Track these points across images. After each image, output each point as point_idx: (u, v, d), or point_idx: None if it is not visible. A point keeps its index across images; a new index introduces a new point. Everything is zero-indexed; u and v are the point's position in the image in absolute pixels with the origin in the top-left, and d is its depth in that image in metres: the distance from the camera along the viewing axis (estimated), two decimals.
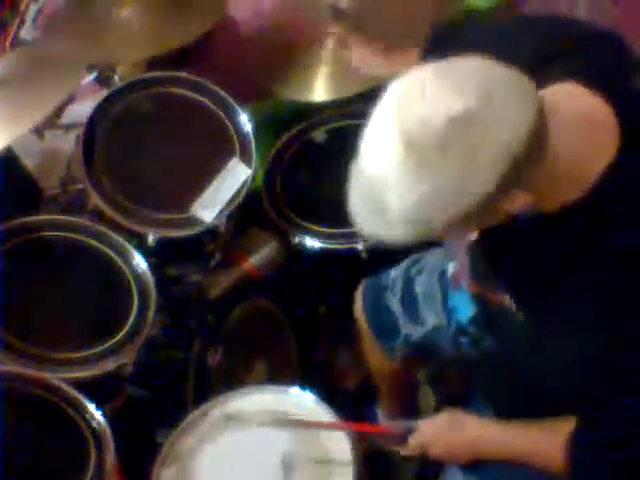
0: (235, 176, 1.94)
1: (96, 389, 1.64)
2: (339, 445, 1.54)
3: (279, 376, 2.05)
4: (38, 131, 2.17)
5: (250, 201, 1.96)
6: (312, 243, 1.98)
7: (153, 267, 1.84)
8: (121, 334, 1.76)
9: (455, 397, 2.06)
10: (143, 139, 1.97)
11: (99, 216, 1.88)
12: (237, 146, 1.98)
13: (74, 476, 1.53)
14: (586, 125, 1.14)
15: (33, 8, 2.59)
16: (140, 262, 1.84)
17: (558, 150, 1.09)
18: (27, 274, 1.78)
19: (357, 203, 1.10)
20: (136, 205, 1.88)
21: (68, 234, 1.84)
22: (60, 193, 2.13)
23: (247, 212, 2.00)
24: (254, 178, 1.97)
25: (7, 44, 2.53)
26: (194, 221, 1.89)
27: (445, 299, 1.63)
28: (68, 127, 2.23)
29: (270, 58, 2.12)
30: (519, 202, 1.07)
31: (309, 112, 2.15)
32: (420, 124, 1.00)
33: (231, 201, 1.91)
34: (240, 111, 2.00)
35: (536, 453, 1.28)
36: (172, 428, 1.63)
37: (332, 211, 2.02)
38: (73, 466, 1.54)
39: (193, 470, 1.58)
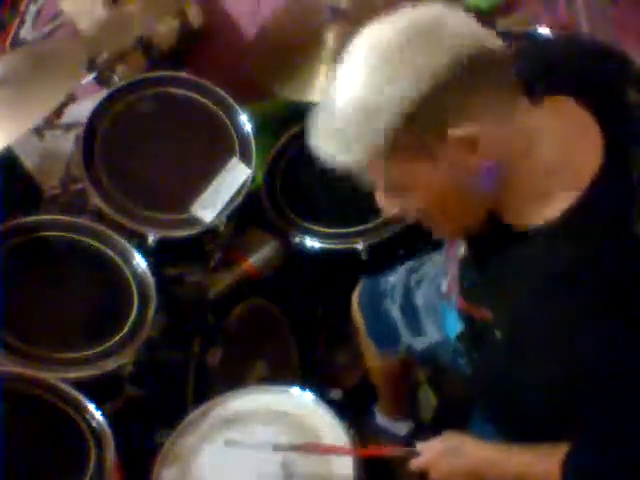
0: (235, 176, 1.94)
1: (96, 389, 1.64)
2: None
3: (279, 376, 2.05)
4: (38, 131, 2.17)
5: (250, 201, 1.96)
6: (312, 243, 1.98)
7: (153, 267, 1.85)
8: (121, 334, 1.76)
9: (456, 399, 2.06)
10: (143, 139, 1.97)
11: (99, 216, 1.88)
12: (237, 146, 1.98)
13: (74, 476, 1.53)
14: (571, 141, 1.13)
15: (33, 8, 2.60)
16: (140, 262, 1.84)
17: (542, 165, 1.11)
18: (27, 274, 1.78)
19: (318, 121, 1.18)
20: (136, 205, 1.88)
21: (68, 234, 1.85)
22: (60, 193, 2.13)
23: (247, 212, 2.00)
24: (254, 178, 1.97)
25: (7, 44, 2.53)
26: (194, 221, 1.89)
27: (444, 313, 1.63)
28: (68, 127, 2.23)
29: (270, 58, 2.12)
30: (458, 152, 1.08)
31: (309, 112, 2.14)
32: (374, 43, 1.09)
33: (231, 201, 1.91)
34: (240, 111, 2.00)
35: (532, 475, 1.28)
36: (172, 428, 1.63)
37: (332, 211, 2.04)
38: (73, 466, 1.54)
39: (193, 470, 1.58)
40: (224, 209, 1.90)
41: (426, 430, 1.53)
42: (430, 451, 1.42)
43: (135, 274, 1.83)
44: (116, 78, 2.12)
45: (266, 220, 2.06)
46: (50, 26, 2.54)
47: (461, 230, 1.23)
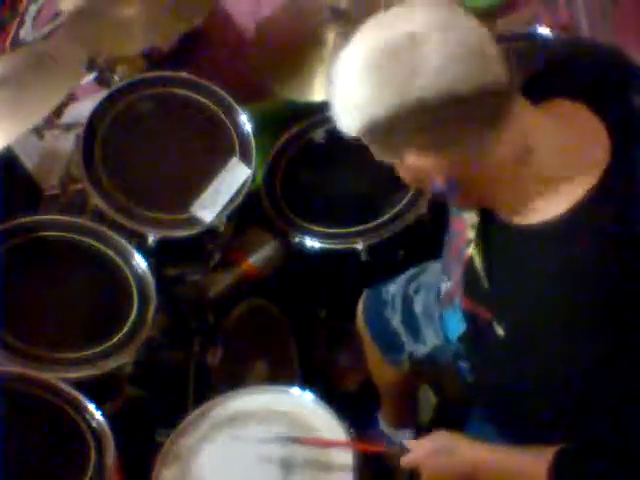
0: (235, 176, 1.94)
1: (96, 389, 1.64)
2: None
3: (279, 376, 2.05)
4: (38, 131, 2.17)
5: (250, 201, 1.96)
6: (312, 243, 1.98)
7: (153, 267, 1.85)
8: (121, 334, 1.76)
9: (456, 399, 2.06)
10: (143, 139, 1.97)
11: (99, 216, 1.88)
12: (237, 146, 1.98)
13: (74, 476, 1.53)
14: (576, 141, 1.14)
15: (33, 8, 2.60)
16: (140, 262, 1.84)
17: (543, 163, 1.11)
18: (27, 274, 1.78)
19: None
20: (136, 205, 1.88)
21: (68, 234, 1.84)
22: (60, 193, 2.13)
23: (247, 212, 2.00)
24: (254, 178, 1.97)
25: (7, 44, 2.54)
26: (194, 221, 1.89)
27: (442, 318, 1.63)
28: (68, 127, 2.23)
29: (270, 58, 2.12)
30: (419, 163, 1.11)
31: (309, 112, 2.15)
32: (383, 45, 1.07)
33: (231, 201, 1.91)
34: (240, 111, 2.00)
35: (523, 474, 1.28)
36: (172, 428, 1.63)
37: (332, 211, 2.03)
38: (73, 466, 1.54)
39: (193, 470, 1.58)
40: (224, 209, 1.90)
41: (426, 433, 1.53)
42: (420, 449, 1.42)
43: (135, 274, 1.83)
44: (116, 78, 2.12)
45: (266, 220, 2.06)
46: (50, 26, 2.54)
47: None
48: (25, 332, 1.68)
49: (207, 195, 1.91)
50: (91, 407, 1.57)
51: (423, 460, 1.41)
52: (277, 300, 2.15)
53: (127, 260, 1.84)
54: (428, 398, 2.16)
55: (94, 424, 1.56)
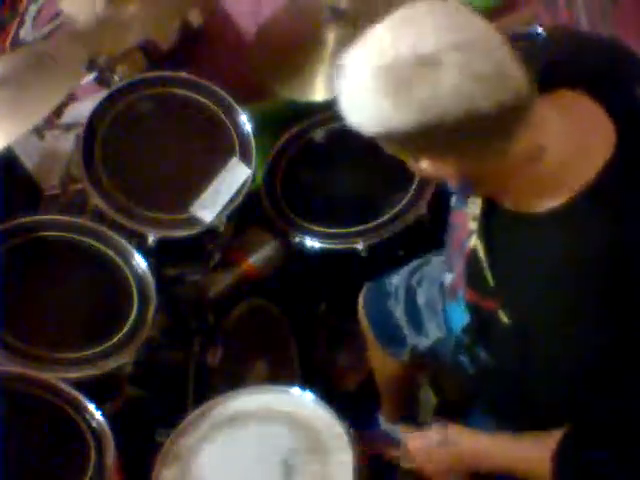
0: (235, 176, 1.94)
1: (96, 389, 1.64)
2: (339, 444, 1.54)
3: (279, 376, 2.05)
4: (38, 131, 2.17)
5: (250, 201, 1.96)
6: (312, 243, 1.98)
7: (153, 267, 1.85)
8: (121, 334, 1.76)
9: (455, 399, 2.06)
10: (143, 139, 1.97)
11: (99, 216, 1.88)
12: (237, 146, 1.98)
13: (74, 476, 1.53)
14: (580, 130, 1.15)
15: (33, 8, 2.60)
16: (140, 262, 1.84)
17: (550, 153, 1.12)
18: (27, 274, 1.78)
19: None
20: (136, 205, 1.88)
21: (68, 234, 1.84)
22: (60, 193, 2.13)
23: (247, 212, 2.00)
24: (254, 178, 1.97)
25: (7, 44, 2.53)
26: (194, 221, 1.89)
27: (445, 311, 1.63)
28: (68, 127, 2.23)
29: (270, 58, 2.12)
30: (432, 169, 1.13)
31: (309, 112, 2.15)
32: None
33: (231, 201, 1.91)
34: (240, 111, 1.99)
35: (523, 463, 1.28)
36: (172, 428, 1.64)
37: (332, 211, 2.03)
38: (73, 466, 1.54)
39: (193, 470, 1.58)
40: (224, 209, 1.90)
41: None
42: (418, 442, 1.43)
43: (135, 274, 1.83)
44: (116, 78, 2.12)
45: (266, 220, 2.06)
46: (50, 26, 2.54)
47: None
48: (25, 332, 1.68)
49: (207, 195, 1.91)
50: (91, 407, 1.57)
51: (422, 451, 1.42)
52: (277, 300, 2.15)
53: (127, 260, 1.84)
54: (428, 398, 2.16)
55: (94, 424, 1.56)
